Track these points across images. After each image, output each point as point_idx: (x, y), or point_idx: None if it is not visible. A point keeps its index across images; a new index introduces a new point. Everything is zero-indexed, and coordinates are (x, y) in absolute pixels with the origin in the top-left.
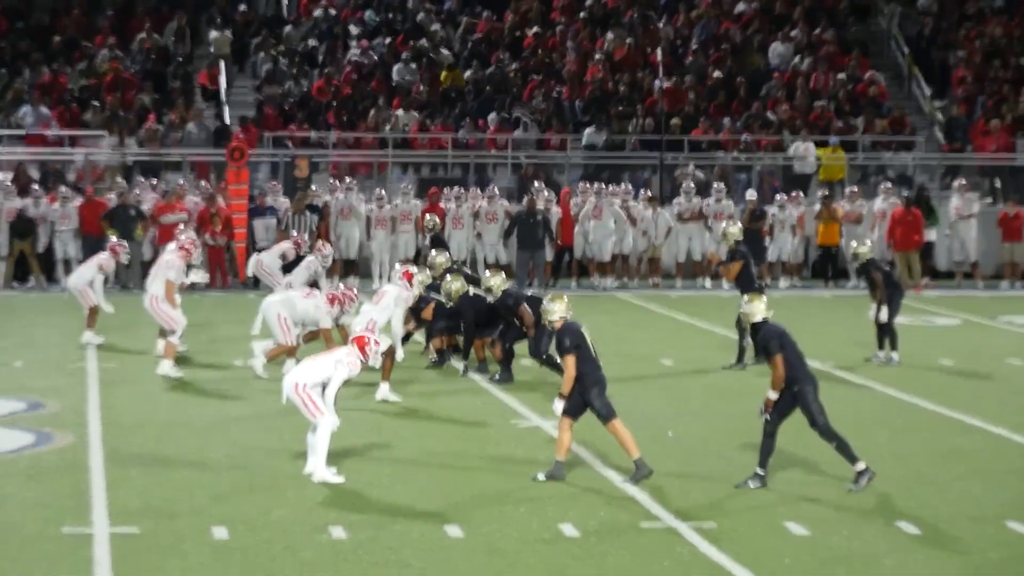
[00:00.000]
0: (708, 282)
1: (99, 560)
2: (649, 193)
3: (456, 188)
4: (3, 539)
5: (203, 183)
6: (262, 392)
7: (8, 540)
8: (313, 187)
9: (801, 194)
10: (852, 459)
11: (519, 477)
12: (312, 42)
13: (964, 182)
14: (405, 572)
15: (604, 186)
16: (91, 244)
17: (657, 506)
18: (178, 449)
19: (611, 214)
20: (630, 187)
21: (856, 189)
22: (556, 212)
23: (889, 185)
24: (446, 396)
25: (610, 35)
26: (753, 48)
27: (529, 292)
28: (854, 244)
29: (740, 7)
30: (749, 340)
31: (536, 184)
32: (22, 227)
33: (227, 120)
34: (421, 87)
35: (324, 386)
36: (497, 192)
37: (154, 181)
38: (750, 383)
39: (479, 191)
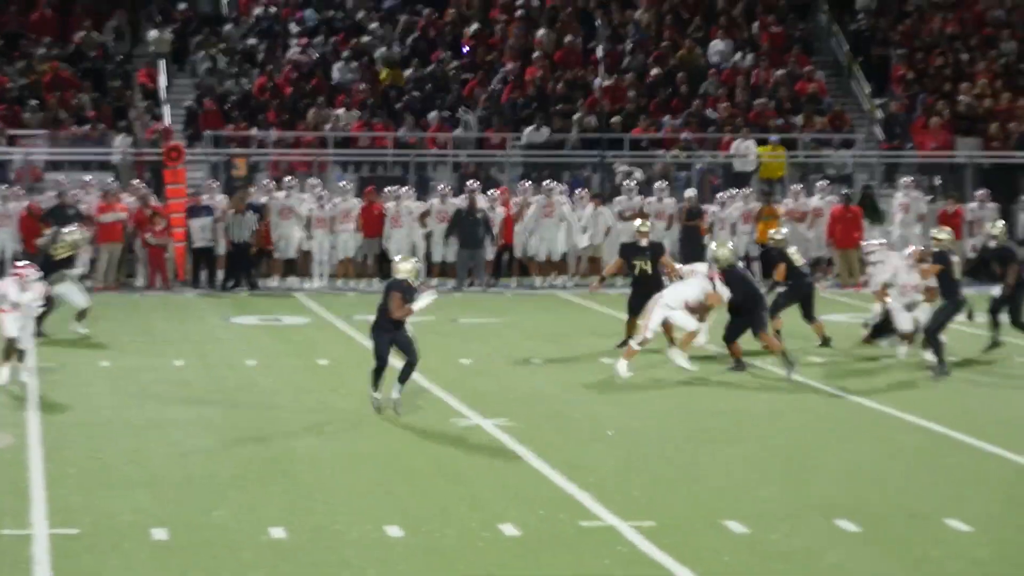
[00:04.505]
0: None
1: (38, 560)
2: (590, 191)
3: (396, 187)
4: None
5: (138, 182)
6: (201, 393)
7: None
8: (251, 187)
9: (741, 191)
10: None
11: (459, 476)
12: (252, 41)
13: (911, 180)
14: (345, 572)
15: (554, 184)
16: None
17: (597, 505)
18: (117, 449)
19: (562, 212)
20: (564, 186)
21: (800, 187)
22: (500, 211)
23: (826, 183)
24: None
25: (547, 32)
26: (692, 45)
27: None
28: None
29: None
30: None
31: (471, 183)
32: None
33: (166, 119)
34: (361, 85)
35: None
36: (450, 191)
37: (88, 178)
38: (690, 381)
39: (414, 191)
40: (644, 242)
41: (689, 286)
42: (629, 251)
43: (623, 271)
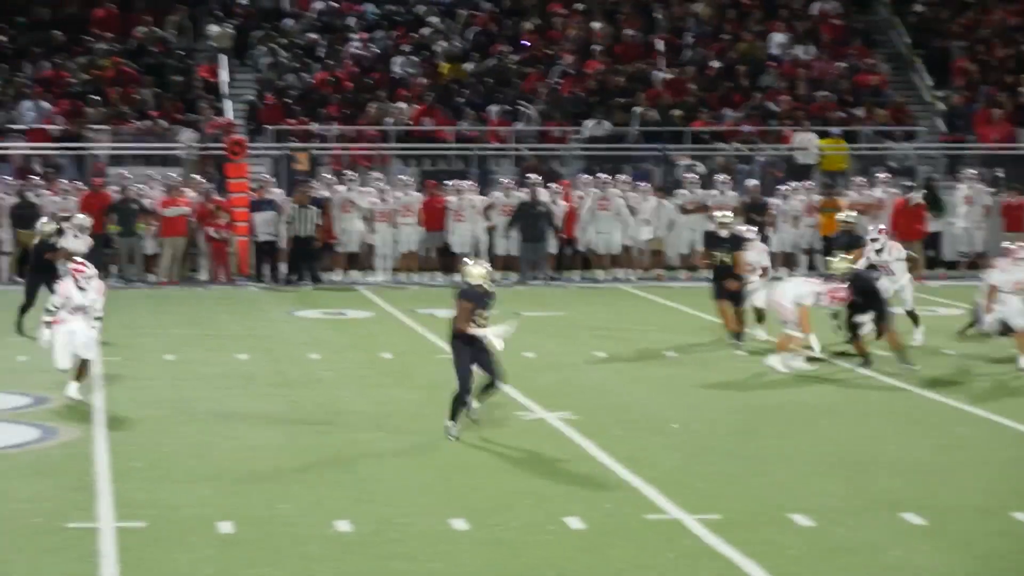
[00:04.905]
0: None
1: (105, 553)
2: (652, 185)
3: (457, 181)
4: (9, 534)
5: (201, 177)
6: (265, 386)
7: (14, 534)
8: (313, 181)
9: (806, 184)
10: None
11: (523, 470)
12: (313, 35)
13: (974, 172)
14: (410, 565)
15: (610, 177)
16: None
17: (662, 498)
18: (182, 443)
19: (618, 206)
20: (630, 178)
21: (864, 179)
22: (562, 205)
23: (887, 175)
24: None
25: (606, 25)
26: (753, 37)
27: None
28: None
29: None
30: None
31: (532, 177)
32: (24, 214)
33: (228, 114)
34: (422, 79)
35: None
36: (512, 185)
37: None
38: (752, 374)
39: (477, 184)
40: (725, 233)
41: (808, 286)
42: (710, 242)
43: (706, 262)
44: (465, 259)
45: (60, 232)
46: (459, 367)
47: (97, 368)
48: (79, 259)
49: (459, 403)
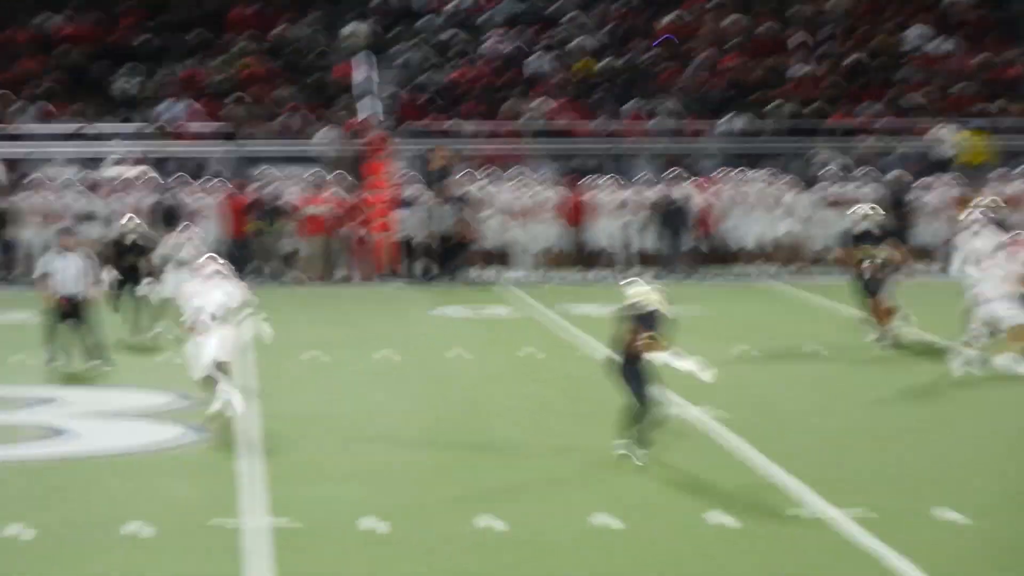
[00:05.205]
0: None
1: (258, 552)
2: (790, 179)
3: (595, 177)
4: (155, 530)
5: (341, 175)
6: (407, 383)
7: (160, 531)
8: (452, 178)
9: (942, 177)
10: None
11: (668, 465)
12: (449, 32)
13: None
14: (559, 561)
15: (748, 172)
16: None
17: (809, 493)
18: (329, 441)
19: (756, 201)
20: (771, 173)
21: (1004, 171)
22: (698, 200)
23: None
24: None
25: (743, 19)
26: (890, 30)
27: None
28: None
29: None
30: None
31: (670, 172)
32: (166, 213)
33: (366, 112)
34: (559, 76)
35: None
36: (649, 180)
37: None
38: (898, 368)
39: (613, 181)
40: (866, 227)
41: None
42: (856, 237)
43: (850, 258)
44: (629, 279)
45: (141, 229)
46: (634, 388)
47: (241, 367)
48: (203, 259)
49: (643, 425)
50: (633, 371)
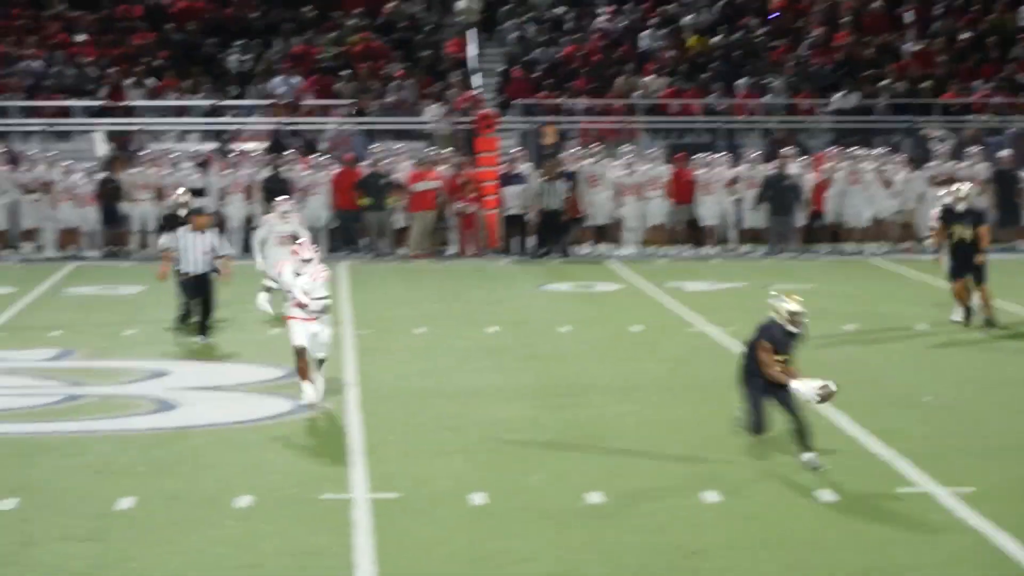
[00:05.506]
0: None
1: (360, 523)
2: (902, 157)
3: (706, 154)
4: (263, 503)
5: (451, 151)
6: (514, 359)
7: (268, 504)
8: (561, 154)
9: None
10: None
11: (773, 443)
12: (560, 9)
13: None
14: (661, 538)
15: (863, 151)
16: (343, 213)
17: (914, 470)
18: (433, 416)
19: (868, 178)
20: (884, 151)
21: None
22: (810, 177)
23: None
24: (694, 363)
25: None
26: (1003, 8)
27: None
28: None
29: None
30: None
31: (785, 149)
32: (276, 189)
33: (476, 88)
34: (670, 52)
35: None
36: (760, 157)
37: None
38: (1006, 349)
39: (724, 158)
40: (963, 207)
41: None
42: (947, 216)
43: (943, 237)
44: (776, 293)
45: (192, 200)
46: (748, 402)
47: (348, 342)
48: (299, 241)
49: (803, 434)
50: (777, 392)
